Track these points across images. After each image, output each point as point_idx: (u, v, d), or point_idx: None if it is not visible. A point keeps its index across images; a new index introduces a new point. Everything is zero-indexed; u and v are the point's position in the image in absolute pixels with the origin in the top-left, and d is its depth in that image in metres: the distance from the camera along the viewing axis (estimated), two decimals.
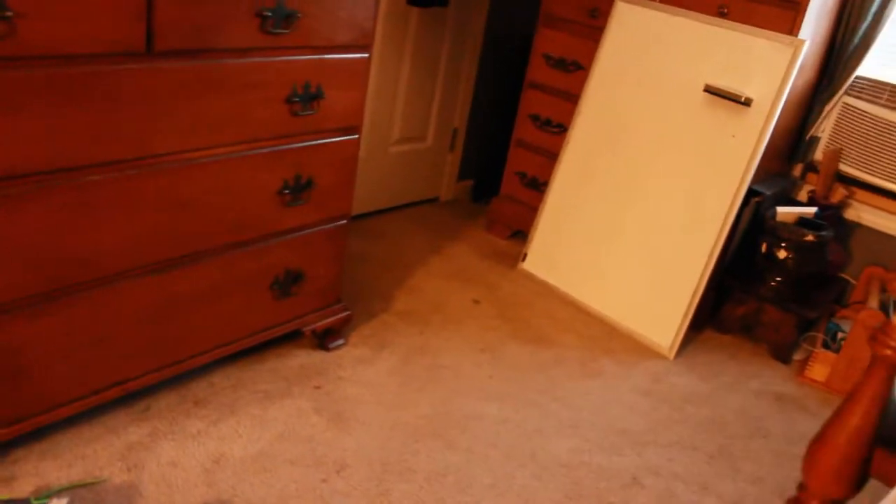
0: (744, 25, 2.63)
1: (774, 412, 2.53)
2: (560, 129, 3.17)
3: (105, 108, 1.61)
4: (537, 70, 3.23)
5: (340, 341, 2.44)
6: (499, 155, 3.59)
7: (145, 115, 1.68)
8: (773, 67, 2.58)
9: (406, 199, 3.60)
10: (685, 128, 2.76)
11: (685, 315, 2.71)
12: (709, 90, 2.68)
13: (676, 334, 2.73)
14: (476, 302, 2.88)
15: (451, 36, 3.39)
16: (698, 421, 2.41)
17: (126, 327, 1.86)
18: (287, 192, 2.05)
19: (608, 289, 2.92)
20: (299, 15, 1.88)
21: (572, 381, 2.50)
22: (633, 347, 2.76)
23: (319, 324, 2.33)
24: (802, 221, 2.83)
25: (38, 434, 1.87)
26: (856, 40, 2.85)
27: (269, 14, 1.81)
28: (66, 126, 1.57)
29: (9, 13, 1.40)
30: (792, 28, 2.58)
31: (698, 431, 2.36)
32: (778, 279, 2.79)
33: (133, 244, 1.78)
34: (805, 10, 2.55)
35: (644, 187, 2.85)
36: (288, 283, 2.18)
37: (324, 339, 2.40)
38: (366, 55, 2.09)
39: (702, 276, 2.68)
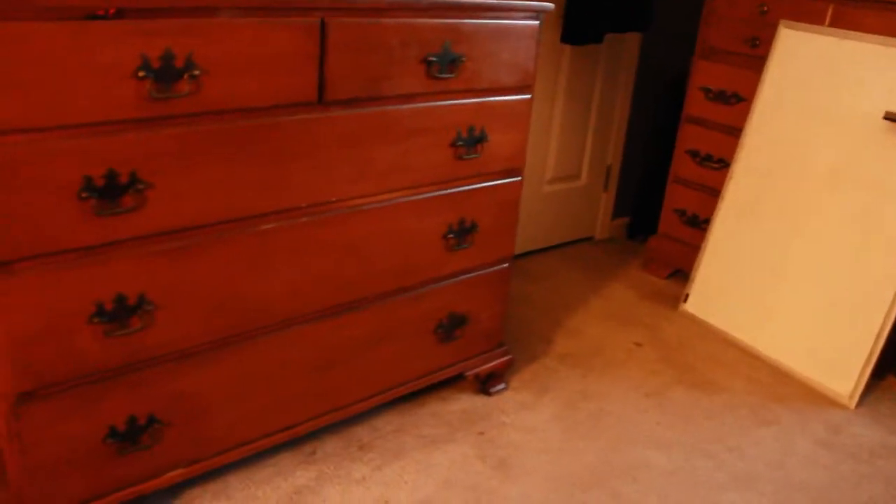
0: None
1: None
2: (721, 164, 3.04)
3: (278, 157, 1.65)
4: (695, 104, 3.13)
5: (502, 385, 2.40)
6: (655, 191, 3.49)
7: (316, 163, 1.72)
8: None
9: (561, 238, 3.54)
10: (862, 158, 2.58)
11: (867, 360, 2.51)
12: (890, 117, 2.50)
13: (857, 381, 2.53)
14: (638, 345, 2.78)
15: (603, 71, 3.34)
16: (889, 477, 2.22)
17: (294, 372, 1.88)
18: (452, 235, 2.04)
19: (778, 331, 2.75)
20: (464, 59, 1.88)
21: (744, 430, 2.35)
22: (807, 394, 2.58)
23: (482, 368, 2.30)
24: None
25: (212, 475, 1.92)
26: None
27: (435, 59, 1.82)
28: (243, 177, 1.61)
29: (197, 72, 1.46)
30: None
31: (890, 489, 2.17)
32: None
33: (303, 290, 1.81)
34: None
35: (816, 222, 2.68)
36: (452, 326, 2.16)
37: (485, 384, 2.36)
38: (528, 96, 2.07)
39: (886, 317, 2.48)
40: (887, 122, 2.52)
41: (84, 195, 1.41)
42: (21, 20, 1.27)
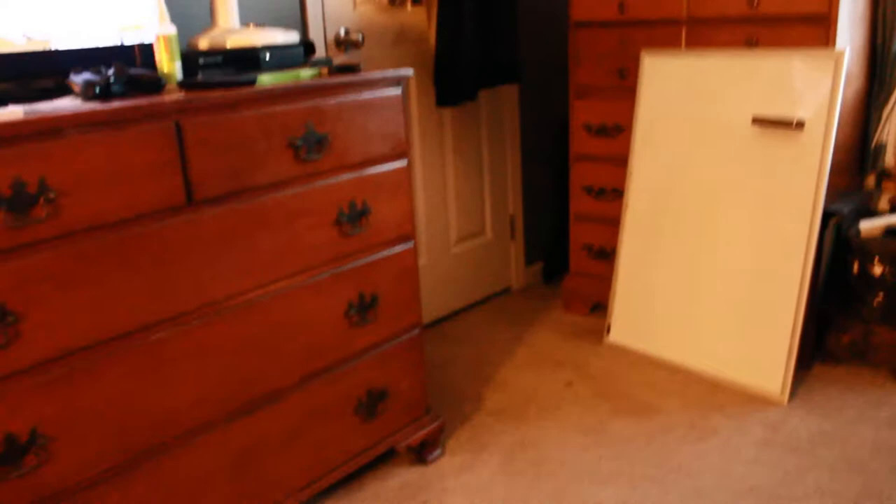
0: (778, 49, 2.57)
1: None
2: (616, 194, 3.11)
3: (157, 265, 1.63)
4: (580, 142, 3.21)
5: (438, 451, 2.36)
6: (562, 230, 3.54)
7: (198, 264, 1.70)
8: (819, 84, 2.50)
9: (478, 295, 3.56)
10: (742, 164, 2.67)
11: (789, 354, 2.56)
12: (757, 121, 2.60)
13: (784, 376, 2.57)
14: (569, 384, 2.78)
15: (487, 125, 3.41)
16: (832, 464, 2.24)
17: (214, 480, 1.82)
18: (353, 312, 2.02)
19: (702, 343, 2.79)
20: (330, 137, 1.89)
21: (686, 447, 2.36)
22: (741, 398, 2.61)
23: (413, 438, 2.27)
24: (891, 231, 2.68)
25: None
26: None
27: (301, 143, 1.83)
28: (124, 290, 1.58)
29: (52, 195, 1.44)
30: (826, 42, 2.51)
31: (835, 475, 2.19)
32: (880, 297, 2.63)
33: (207, 394, 1.76)
34: (836, 21, 2.48)
35: (714, 233, 2.75)
36: (372, 403, 2.13)
37: (420, 453, 2.32)
38: (404, 163, 2.09)
39: (796, 310, 2.54)
40: (756, 127, 2.62)
41: None
42: None
